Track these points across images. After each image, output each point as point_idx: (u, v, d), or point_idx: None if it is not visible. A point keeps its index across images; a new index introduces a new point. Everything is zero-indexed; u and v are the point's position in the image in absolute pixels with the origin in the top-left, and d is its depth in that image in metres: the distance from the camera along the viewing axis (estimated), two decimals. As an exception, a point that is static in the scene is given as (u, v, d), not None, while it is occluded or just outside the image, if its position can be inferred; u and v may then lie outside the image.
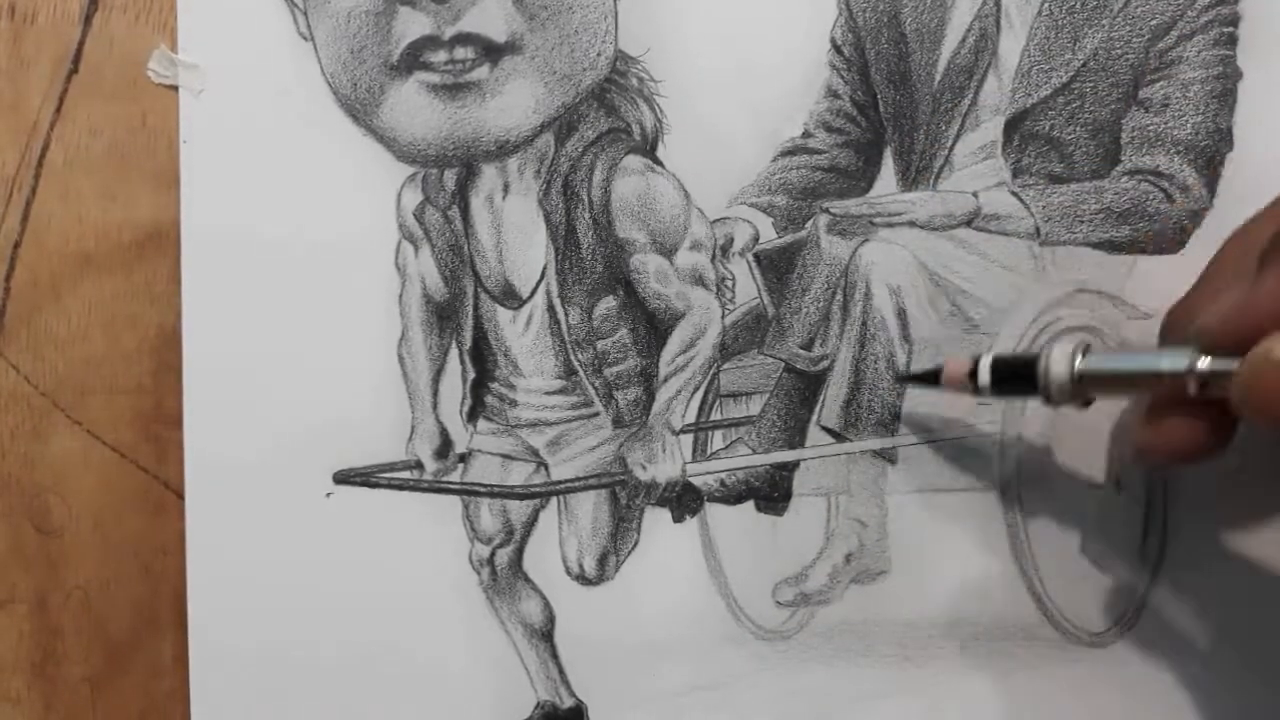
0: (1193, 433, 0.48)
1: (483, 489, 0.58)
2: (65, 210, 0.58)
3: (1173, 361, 0.47)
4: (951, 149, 0.57)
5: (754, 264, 0.58)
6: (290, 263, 0.57)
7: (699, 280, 0.57)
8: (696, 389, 0.57)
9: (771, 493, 0.57)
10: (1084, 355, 0.48)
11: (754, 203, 0.57)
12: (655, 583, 0.57)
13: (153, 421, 0.58)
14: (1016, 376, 0.50)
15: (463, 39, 0.55)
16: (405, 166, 0.57)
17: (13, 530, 0.58)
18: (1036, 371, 0.49)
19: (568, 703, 0.57)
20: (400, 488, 0.57)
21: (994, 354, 0.51)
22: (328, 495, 0.57)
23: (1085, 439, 0.56)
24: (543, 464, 0.58)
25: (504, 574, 0.58)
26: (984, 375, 0.50)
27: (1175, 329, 0.50)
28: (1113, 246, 0.56)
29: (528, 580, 0.58)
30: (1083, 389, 0.49)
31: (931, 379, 0.53)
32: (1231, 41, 0.55)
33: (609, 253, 0.57)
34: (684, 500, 0.57)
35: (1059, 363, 0.48)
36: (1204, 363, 0.46)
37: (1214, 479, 0.55)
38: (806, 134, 0.57)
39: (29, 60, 0.58)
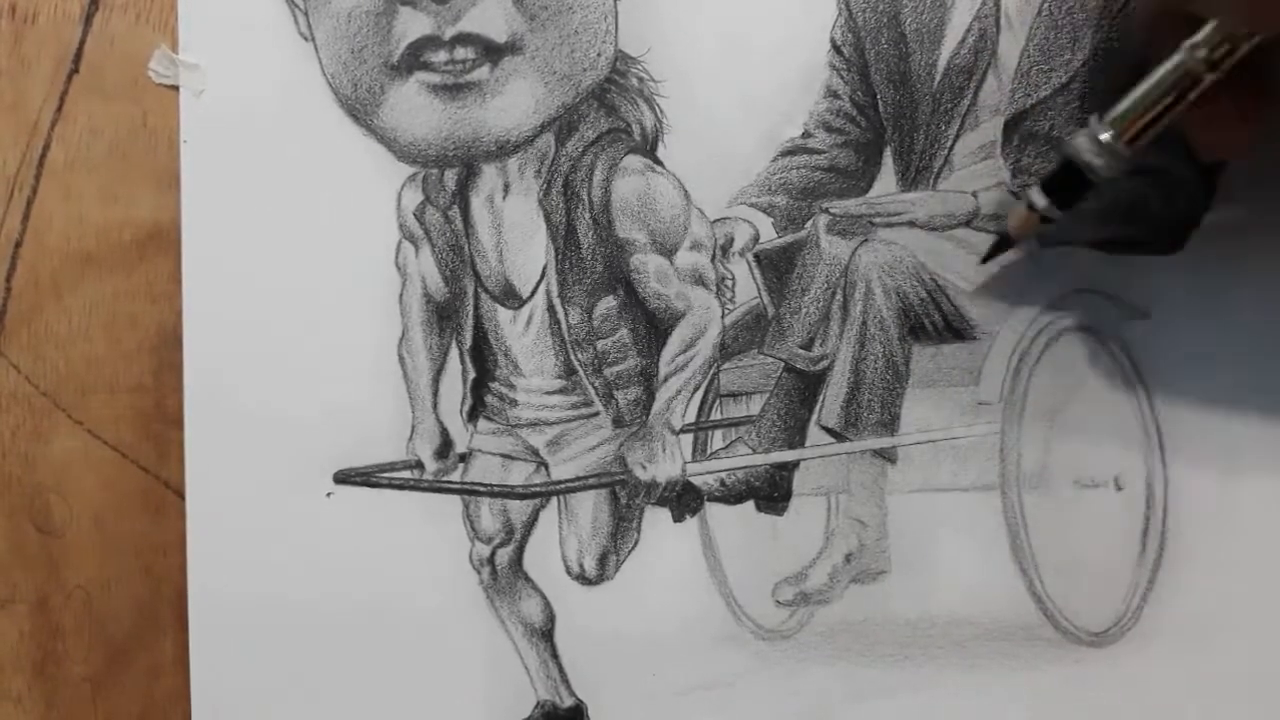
0: (1239, 124, 0.48)
1: (483, 489, 0.58)
2: (66, 210, 0.58)
3: (1184, 54, 0.47)
4: (951, 149, 0.57)
5: (754, 264, 0.58)
6: (290, 262, 0.57)
7: (699, 280, 0.57)
8: (696, 389, 0.57)
9: (771, 492, 0.57)
10: (1100, 117, 0.49)
11: (754, 203, 0.57)
12: (655, 582, 0.57)
13: (153, 421, 0.58)
14: (1066, 184, 0.50)
15: (463, 39, 0.55)
16: (405, 166, 0.57)
17: (14, 530, 0.58)
18: (1078, 163, 0.49)
19: (568, 702, 0.58)
20: (400, 487, 0.57)
21: (1037, 183, 0.51)
22: (328, 495, 0.57)
23: (1086, 439, 0.56)
24: (543, 464, 0.58)
25: (504, 573, 0.58)
26: (1039, 200, 0.51)
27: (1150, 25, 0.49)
28: (1112, 246, 0.56)
29: (528, 580, 0.58)
30: (1122, 142, 0.48)
31: (1003, 244, 0.53)
32: (1231, 42, 0.55)
33: (609, 253, 0.57)
34: (684, 500, 0.57)
35: (1090, 137, 0.49)
36: (1201, 35, 0.46)
37: (1214, 479, 0.56)
38: (806, 134, 0.57)
39: (30, 60, 0.58)
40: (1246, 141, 0.49)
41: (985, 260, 0.55)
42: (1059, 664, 0.56)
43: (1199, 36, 0.46)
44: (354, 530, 0.57)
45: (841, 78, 0.57)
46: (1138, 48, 0.49)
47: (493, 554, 0.58)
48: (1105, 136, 0.49)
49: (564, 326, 0.57)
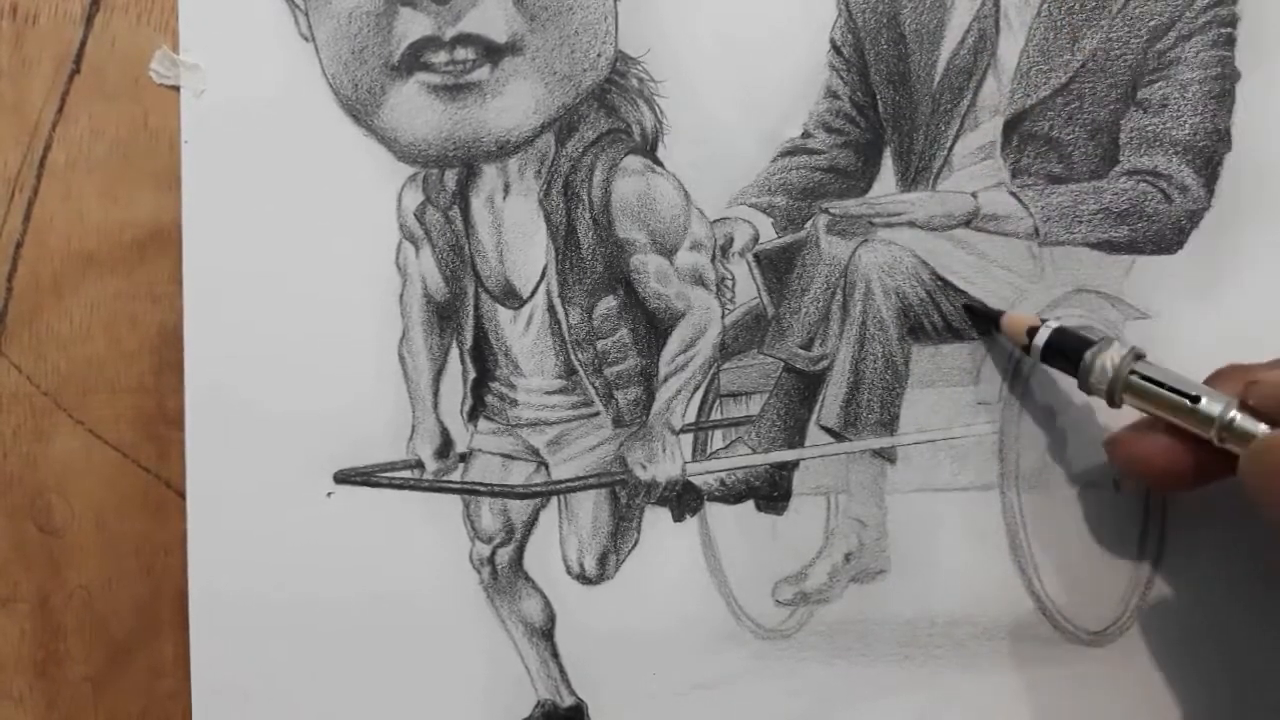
0: (1164, 455, 0.50)
1: (483, 488, 0.58)
2: (67, 210, 0.58)
3: (1211, 404, 0.48)
4: (951, 149, 0.57)
5: (754, 264, 0.58)
6: (291, 263, 0.57)
7: (699, 280, 0.57)
8: (696, 389, 0.57)
9: (771, 492, 0.57)
10: (1135, 361, 0.50)
11: (754, 203, 0.57)
12: (655, 582, 0.57)
13: (154, 421, 0.58)
14: (1064, 353, 0.52)
15: (463, 40, 0.55)
16: (406, 167, 0.57)
17: (15, 530, 0.58)
18: (1083, 356, 0.51)
19: (568, 701, 0.58)
20: (401, 487, 0.57)
21: (1059, 324, 0.53)
22: (328, 495, 0.57)
23: (1085, 439, 0.56)
24: (543, 463, 0.59)
25: (504, 573, 0.58)
26: (1041, 339, 0.53)
27: (1227, 378, 0.50)
28: (1111, 247, 0.56)
29: (528, 579, 0.58)
30: (1119, 392, 0.50)
31: (989, 320, 0.55)
32: (1230, 42, 0.56)
33: (609, 253, 0.57)
34: (684, 500, 0.57)
35: (1109, 360, 0.50)
36: (1237, 415, 0.47)
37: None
38: (806, 134, 0.57)
39: (31, 61, 0.58)
40: (1159, 477, 0.51)
41: (967, 309, 0.56)
42: (1058, 664, 0.56)
43: (1238, 418, 0.48)
44: (354, 530, 0.57)
45: (841, 78, 0.57)
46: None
47: (493, 554, 0.58)
48: (1125, 373, 0.51)
49: (564, 326, 0.57)
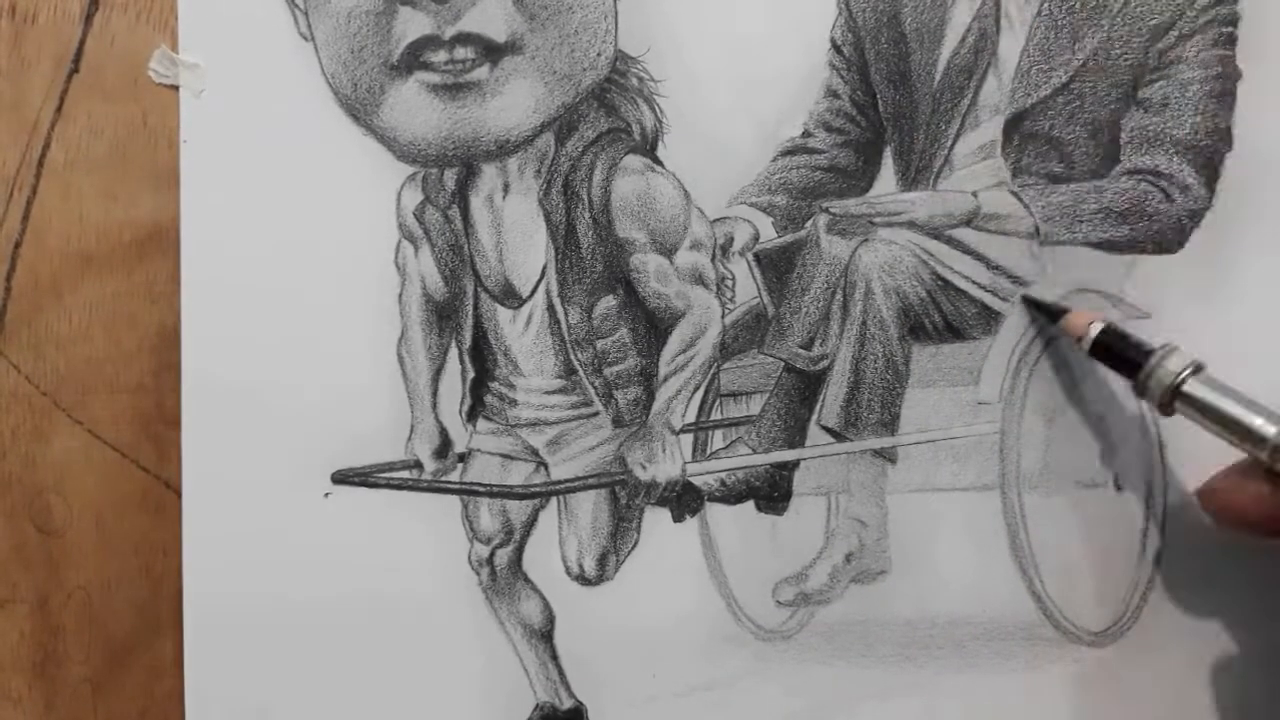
0: (1260, 504, 0.48)
1: (482, 489, 0.58)
2: (66, 210, 0.58)
3: (1266, 422, 0.48)
4: (951, 149, 0.57)
5: (754, 264, 0.58)
6: (290, 262, 0.57)
7: (699, 280, 0.57)
8: (696, 388, 0.57)
9: (771, 492, 0.57)
10: (1194, 373, 0.50)
11: (754, 202, 0.57)
12: (655, 583, 0.57)
13: (153, 421, 0.58)
14: (1121, 356, 0.52)
15: (463, 39, 0.55)
16: (405, 166, 0.57)
17: (14, 530, 0.58)
18: (1143, 364, 0.51)
19: (567, 704, 0.57)
20: (399, 488, 0.57)
21: (1111, 324, 0.53)
22: (326, 495, 0.57)
23: (1085, 439, 0.56)
24: (542, 464, 0.58)
25: (504, 574, 0.58)
26: (1090, 336, 0.52)
27: None
28: (1112, 246, 0.56)
29: (527, 580, 0.58)
30: (1173, 400, 0.50)
31: (1053, 314, 0.55)
32: (1231, 41, 0.55)
33: (609, 252, 0.57)
34: (684, 500, 0.57)
35: (1169, 370, 0.50)
36: None
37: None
38: (806, 134, 0.57)
39: (30, 60, 0.58)
40: (1248, 523, 0.50)
41: (1029, 301, 0.56)
42: (1059, 664, 0.56)
43: None
44: (352, 531, 0.57)
45: (841, 78, 0.57)
46: None
47: (492, 554, 0.58)
48: (1183, 384, 0.50)
49: (564, 326, 0.57)
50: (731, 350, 0.57)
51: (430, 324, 0.58)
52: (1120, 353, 0.52)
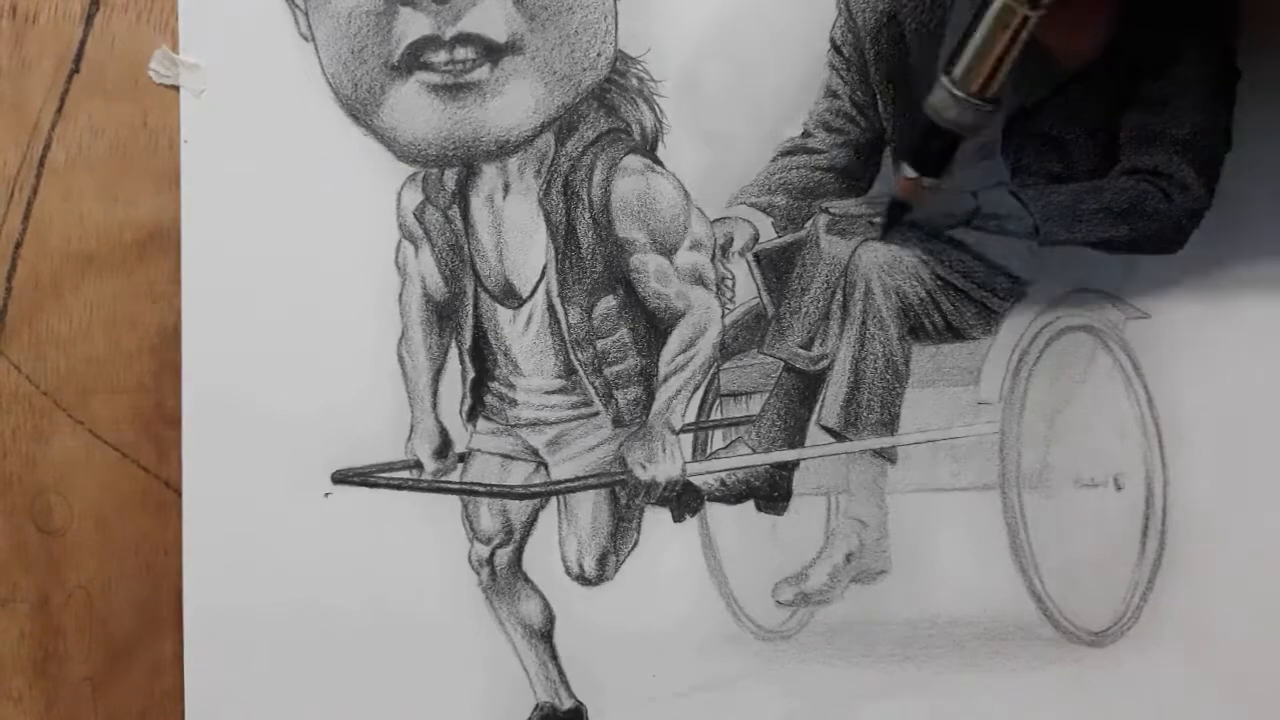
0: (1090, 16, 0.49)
1: (482, 489, 0.58)
2: (67, 210, 0.58)
3: None
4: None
5: (754, 264, 0.58)
6: (290, 262, 0.57)
7: (699, 280, 0.57)
8: (696, 388, 0.57)
9: (771, 492, 0.57)
10: (948, 75, 0.49)
11: (754, 203, 0.57)
12: (655, 583, 0.57)
13: (154, 421, 0.58)
14: (937, 147, 0.51)
15: (463, 39, 0.55)
16: (405, 166, 0.57)
17: (14, 529, 0.58)
18: (940, 124, 0.50)
19: (567, 704, 0.57)
20: (399, 487, 0.57)
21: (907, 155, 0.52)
22: (326, 495, 0.57)
23: (1085, 439, 0.56)
24: (542, 464, 0.58)
25: (503, 574, 0.58)
26: (909, 172, 0.52)
27: None
28: (1111, 246, 0.56)
29: (527, 580, 0.58)
30: (974, 94, 0.49)
31: (896, 210, 0.55)
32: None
33: (609, 252, 0.57)
34: (684, 500, 0.57)
35: (944, 95, 0.49)
36: None
37: (1214, 479, 0.56)
38: (806, 134, 0.57)
39: (31, 60, 0.58)
40: (1102, 44, 0.51)
41: (885, 234, 0.56)
42: (1059, 664, 0.56)
43: None
44: (352, 531, 0.57)
45: (841, 78, 0.57)
46: None
47: (492, 554, 0.58)
48: (958, 93, 0.49)
49: (564, 326, 0.57)
50: (731, 350, 0.57)
51: (430, 324, 0.58)
52: (935, 148, 0.51)
